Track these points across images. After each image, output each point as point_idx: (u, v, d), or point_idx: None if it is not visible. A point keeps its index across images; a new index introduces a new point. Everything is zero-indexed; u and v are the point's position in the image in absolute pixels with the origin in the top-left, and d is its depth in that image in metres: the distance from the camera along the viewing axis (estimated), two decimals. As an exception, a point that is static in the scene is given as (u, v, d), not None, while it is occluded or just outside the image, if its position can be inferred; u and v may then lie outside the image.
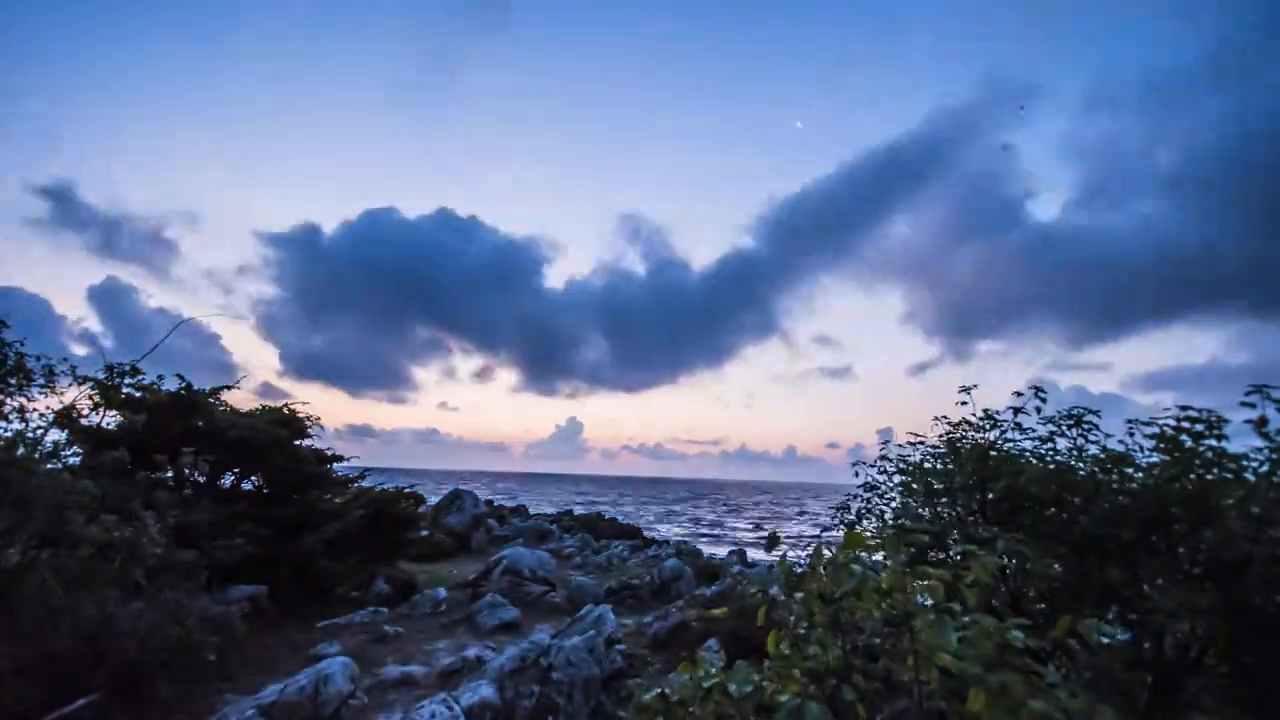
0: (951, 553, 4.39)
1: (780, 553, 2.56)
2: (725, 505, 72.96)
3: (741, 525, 45.16)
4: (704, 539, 31.34)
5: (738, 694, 2.02)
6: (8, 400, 5.41)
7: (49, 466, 5.27)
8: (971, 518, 4.50)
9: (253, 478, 9.92)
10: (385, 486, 12.28)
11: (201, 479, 8.71)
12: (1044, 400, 4.09)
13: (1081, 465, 4.15)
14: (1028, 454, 4.42)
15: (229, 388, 9.94)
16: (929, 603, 1.97)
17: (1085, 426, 4.21)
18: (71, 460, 6.23)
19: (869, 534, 4.81)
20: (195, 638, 5.63)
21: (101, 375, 6.12)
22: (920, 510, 4.96)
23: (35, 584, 4.91)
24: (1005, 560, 3.71)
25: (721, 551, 21.55)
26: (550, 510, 34.87)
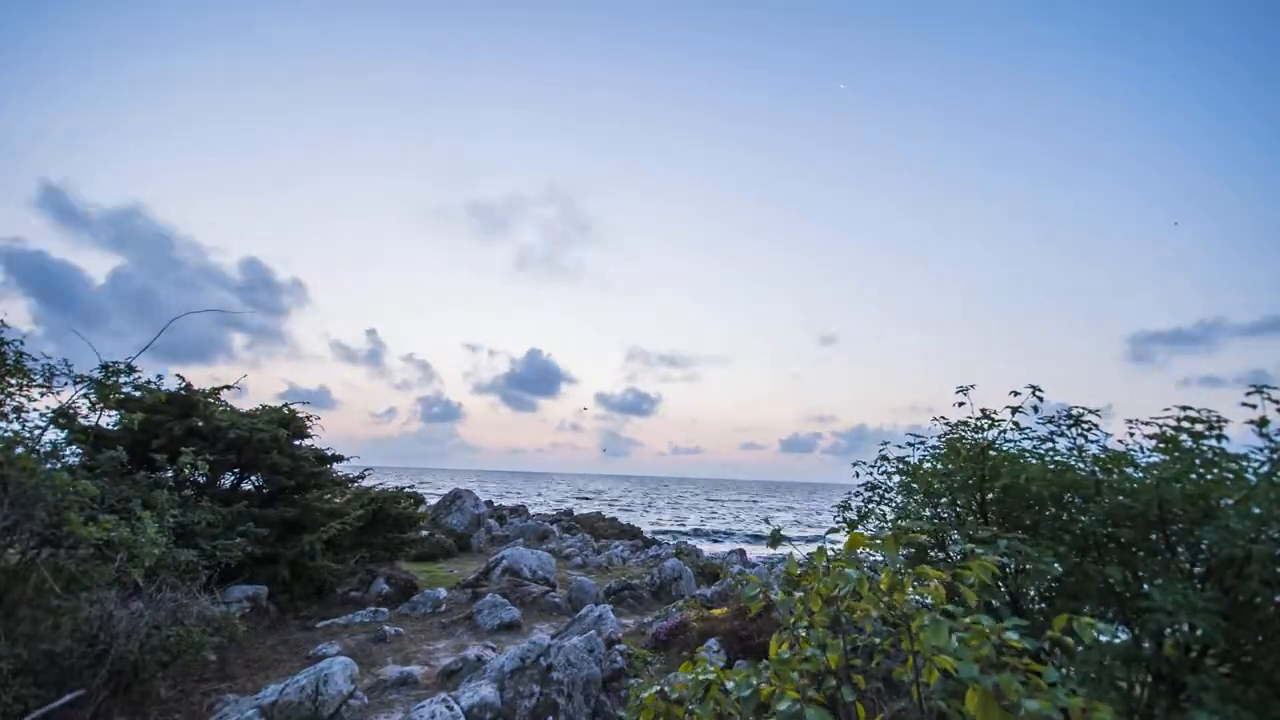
0: (951, 552, 4.39)
1: (783, 551, 2.56)
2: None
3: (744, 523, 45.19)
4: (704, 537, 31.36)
5: (737, 696, 2.02)
6: (7, 400, 5.40)
7: (48, 466, 5.26)
8: (971, 517, 4.50)
9: (253, 478, 9.91)
10: (385, 486, 12.30)
11: (201, 479, 8.70)
12: (1041, 399, 4.09)
13: (1081, 465, 4.15)
14: (1027, 454, 4.42)
15: (229, 387, 9.93)
16: (929, 602, 1.97)
17: (1085, 426, 4.22)
18: (71, 460, 6.22)
19: (869, 533, 4.81)
20: (195, 638, 5.62)
21: (99, 374, 6.10)
22: (921, 510, 4.96)
23: (35, 584, 4.90)
24: (1005, 560, 3.71)
25: (722, 551, 21.56)
26: (551, 510, 34.87)
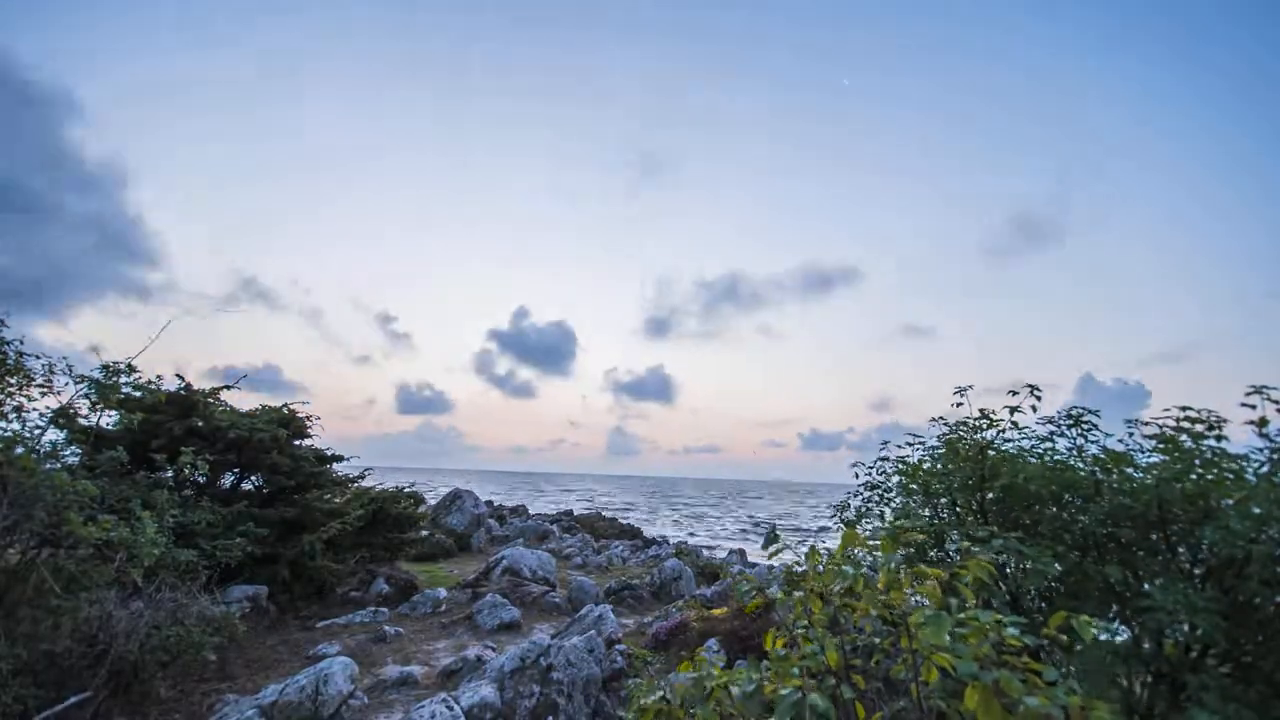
0: (950, 552, 4.39)
1: (778, 550, 2.56)
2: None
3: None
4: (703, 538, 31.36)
5: (740, 694, 2.02)
6: (7, 400, 5.40)
7: (48, 466, 5.26)
8: (971, 517, 4.50)
9: (253, 477, 9.91)
10: (384, 485, 12.30)
11: (201, 479, 8.70)
12: (1039, 399, 4.10)
13: (1081, 465, 4.16)
14: (1026, 453, 4.43)
15: (228, 387, 9.94)
16: (926, 601, 1.97)
17: (1084, 426, 4.22)
18: (71, 460, 6.22)
19: (868, 533, 4.81)
20: (195, 638, 5.62)
21: (99, 374, 6.10)
22: (921, 510, 4.96)
23: (34, 584, 4.90)
24: (1005, 559, 3.71)
25: (722, 552, 21.56)
26: (551, 510, 34.86)
